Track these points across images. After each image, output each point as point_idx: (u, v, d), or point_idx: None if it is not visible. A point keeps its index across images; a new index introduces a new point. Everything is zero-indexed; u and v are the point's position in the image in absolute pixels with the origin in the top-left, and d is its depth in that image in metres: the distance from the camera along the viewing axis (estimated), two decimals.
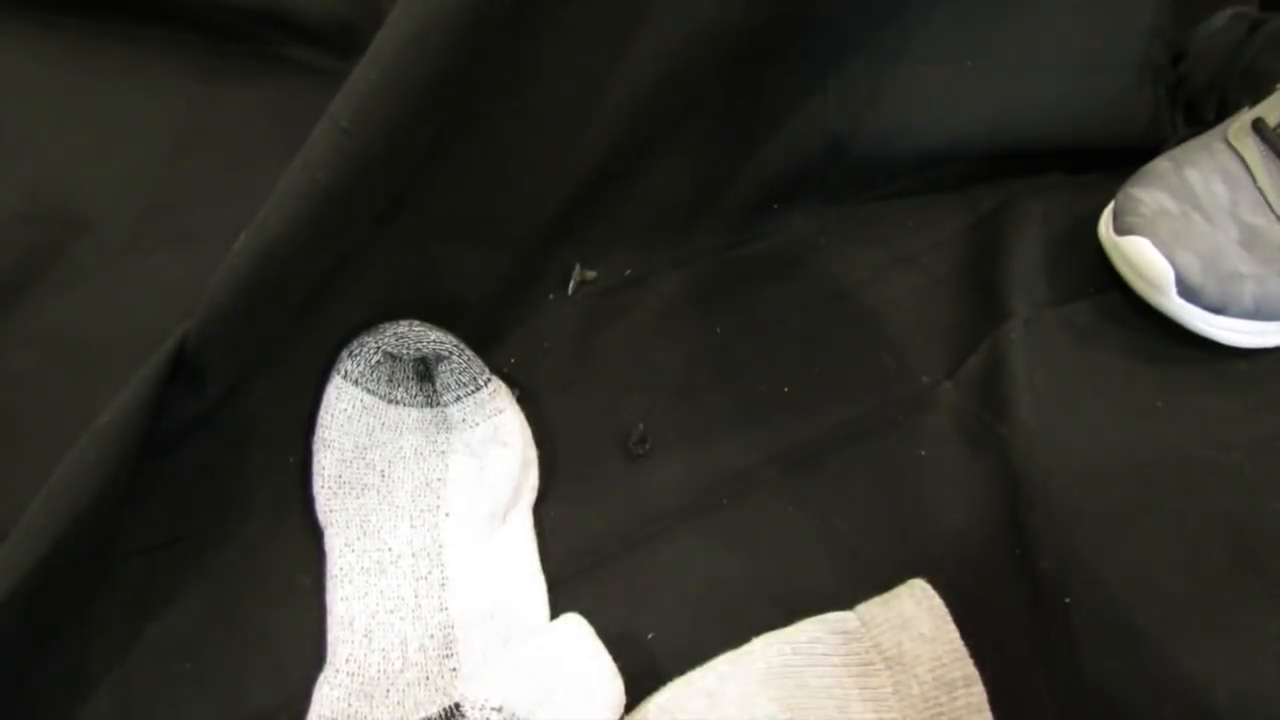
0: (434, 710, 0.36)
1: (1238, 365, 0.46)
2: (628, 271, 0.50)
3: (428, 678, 0.38)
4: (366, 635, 0.39)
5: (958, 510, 0.43)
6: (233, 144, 0.50)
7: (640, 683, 0.36)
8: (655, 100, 0.45)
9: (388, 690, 0.37)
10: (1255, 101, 0.50)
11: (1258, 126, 0.48)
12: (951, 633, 0.36)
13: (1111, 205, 0.49)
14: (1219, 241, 0.45)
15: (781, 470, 0.44)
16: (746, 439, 0.45)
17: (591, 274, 0.50)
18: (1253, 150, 0.48)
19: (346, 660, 0.38)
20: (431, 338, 0.41)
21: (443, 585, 0.40)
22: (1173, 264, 0.44)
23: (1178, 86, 0.55)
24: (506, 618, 0.39)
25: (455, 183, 0.43)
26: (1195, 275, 0.44)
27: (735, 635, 0.37)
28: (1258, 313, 0.45)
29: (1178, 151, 0.50)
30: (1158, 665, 0.37)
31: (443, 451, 0.44)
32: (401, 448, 0.43)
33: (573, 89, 0.44)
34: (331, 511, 0.41)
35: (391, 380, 0.43)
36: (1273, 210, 0.46)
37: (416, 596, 0.40)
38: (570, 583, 0.41)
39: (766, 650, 0.37)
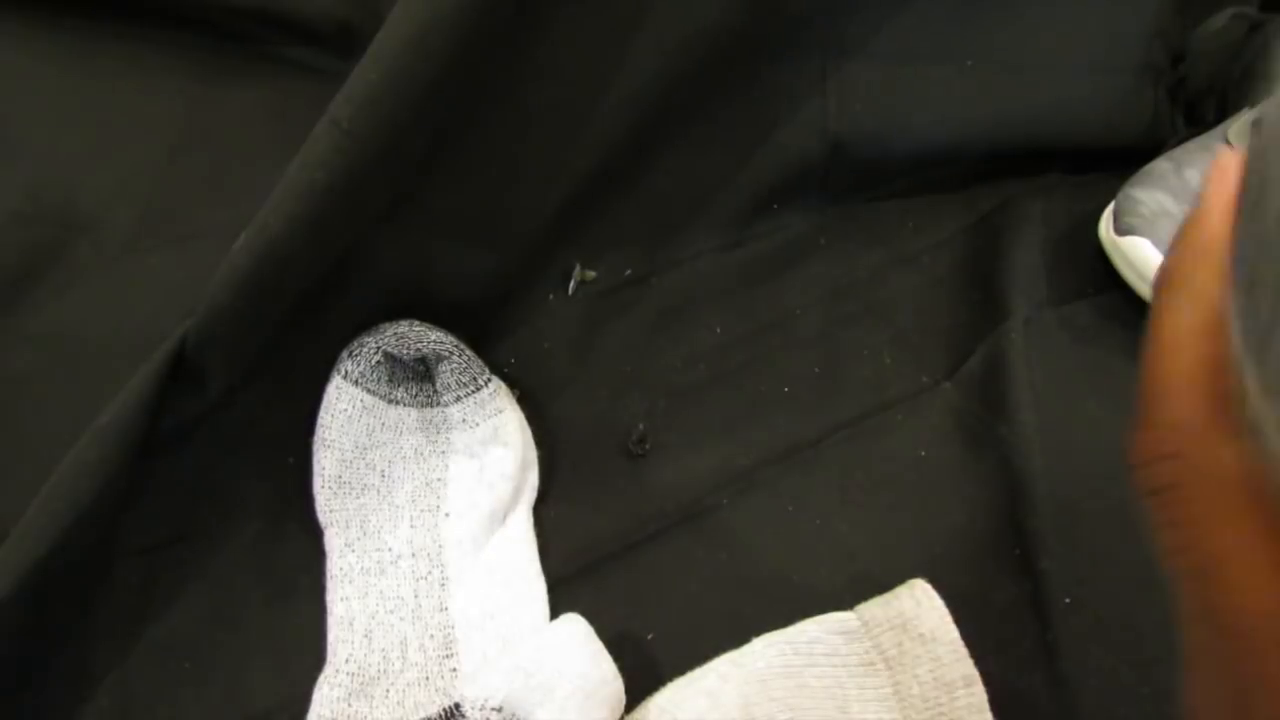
0: (434, 710, 0.36)
1: None
2: (628, 271, 0.50)
3: (428, 678, 0.38)
4: (366, 635, 0.39)
5: (958, 510, 0.43)
6: (233, 144, 0.50)
7: (640, 683, 0.36)
8: (655, 100, 0.45)
9: (388, 690, 0.37)
10: (1255, 102, 0.50)
11: (1258, 127, 0.48)
12: (951, 633, 0.36)
13: (1111, 205, 0.49)
14: None
15: (781, 470, 0.44)
16: (746, 439, 0.45)
17: (591, 274, 0.50)
18: None
19: (346, 660, 0.38)
20: (432, 338, 0.41)
21: (443, 585, 0.40)
22: None
23: (1178, 87, 0.55)
24: (506, 618, 0.39)
25: (455, 183, 0.43)
26: None
27: (735, 635, 0.37)
28: None
29: (1178, 152, 0.50)
30: (1158, 665, 0.37)
31: (443, 452, 0.44)
32: (402, 448, 0.43)
33: (573, 89, 0.44)
34: (331, 511, 0.41)
35: (392, 380, 0.43)
36: None
37: (416, 596, 0.40)
38: (570, 583, 0.41)
39: (766, 650, 0.37)
